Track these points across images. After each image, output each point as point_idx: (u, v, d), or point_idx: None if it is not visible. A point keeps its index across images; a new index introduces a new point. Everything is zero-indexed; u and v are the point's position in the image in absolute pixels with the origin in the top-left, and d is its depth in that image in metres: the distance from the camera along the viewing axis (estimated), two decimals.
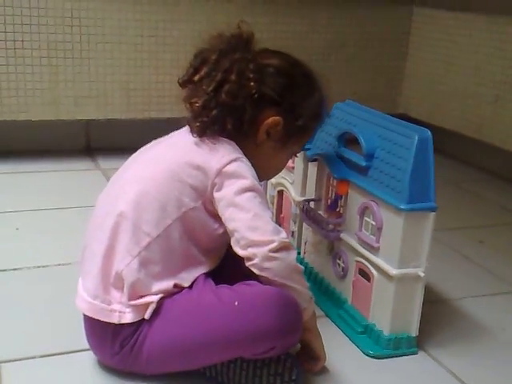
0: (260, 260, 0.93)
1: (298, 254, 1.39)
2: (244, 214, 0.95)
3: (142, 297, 0.96)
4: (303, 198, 1.32)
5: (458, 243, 1.63)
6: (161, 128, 2.15)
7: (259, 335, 0.92)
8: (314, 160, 1.27)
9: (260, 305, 0.93)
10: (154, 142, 1.09)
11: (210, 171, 0.96)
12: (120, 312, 0.96)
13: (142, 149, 1.08)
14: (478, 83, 2.16)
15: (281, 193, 1.47)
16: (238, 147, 1.01)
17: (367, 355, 1.11)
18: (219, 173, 0.96)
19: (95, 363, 1.03)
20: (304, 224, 1.34)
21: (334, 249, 1.24)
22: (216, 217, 0.99)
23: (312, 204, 1.29)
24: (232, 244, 0.97)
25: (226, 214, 0.96)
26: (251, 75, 0.99)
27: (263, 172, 1.06)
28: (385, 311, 1.10)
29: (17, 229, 1.52)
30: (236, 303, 0.93)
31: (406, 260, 1.06)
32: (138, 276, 0.95)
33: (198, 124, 1.00)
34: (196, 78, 1.02)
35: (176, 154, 1.00)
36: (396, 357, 1.11)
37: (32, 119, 2.02)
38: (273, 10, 2.17)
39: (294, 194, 1.39)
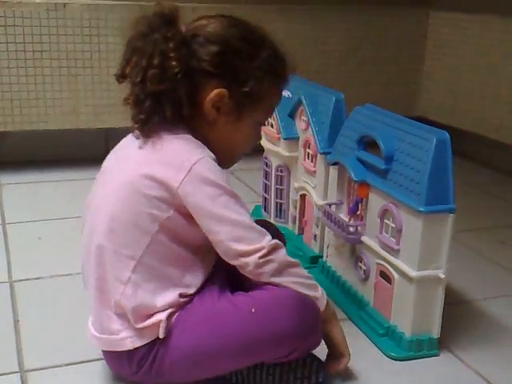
0: (253, 267, 0.92)
1: (321, 257, 1.40)
2: (224, 226, 0.92)
3: (149, 316, 0.93)
4: (325, 202, 1.33)
5: (479, 244, 1.63)
6: None
7: (277, 339, 0.92)
8: (335, 164, 1.28)
9: (275, 308, 0.93)
10: (112, 153, 1.03)
11: (172, 181, 0.91)
12: (131, 338, 0.94)
13: (105, 162, 1.03)
14: (495, 84, 2.15)
15: (303, 197, 1.48)
16: (191, 137, 0.95)
17: (389, 357, 1.12)
18: (182, 182, 0.90)
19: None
20: (326, 227, 1.35)
21: (355, 252, 1.25)
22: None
23: (333, 207, 1.30)
24: (220, 254, 0.95)
25: (204, 225, 0.92)
26: (172, 54, 0.91)
27: (230, 152, 1.02)
28: (406, 313, 1.11)
29: (39, 238, 1.54)
30: (252, 310, 0.93)
31: (426, 262, 1.07)
32: (136, 300, 0.92)
33: (136, 125, 0.95)
34: (127, 70, 0.95)
35: (131, 169, 0.94)
36: (418, 358, 1.11)
37: (52, 129, 2.05)
38: (287, 17, 2.18)
39: (315, 198, 1.40)
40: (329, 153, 1.32)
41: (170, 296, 0.94)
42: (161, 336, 0.93)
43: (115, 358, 0.98)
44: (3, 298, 1.26)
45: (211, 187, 0.92)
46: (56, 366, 1.06)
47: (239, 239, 0.92)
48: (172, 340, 0.94)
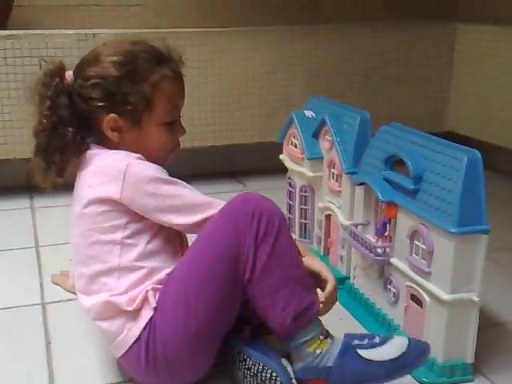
0: None
1: (347, 278, 1.37)
2: (171, 214, 1.03)
3: (135, 297, 1.02)
4: (351, 222, 1.31)
5: None
6: (203, 156, 2.22)
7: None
8: (361, 184, 1.26)
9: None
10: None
11: (113, 195, 1.02)
12: (131, 327, 1.02)
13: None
14: None
15: (328, 217, 1.46)
16: (117, 150, 1.06)
17: (421, 383, 1.08)
18: (122, 193, 1.02)
19: None
20: (353, 248, 1.32)
21: (384, 274, 1.22)
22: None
23: (360, 228, 1.27)
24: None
25: (155, 219, 1.04)
26: (45, 112, 1.05)
27: (155, 155, 1.09)
28: (438, 337, 1.07)
29: (70, 260, 1.54)
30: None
31: (459, 284, 1.03)
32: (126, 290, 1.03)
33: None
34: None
35: (79, 199, 1.08)
36: None
37: None
38: (312, 36, 2.17)
39: (341, 218, 1.38)
40: (354, 172, 1.29)
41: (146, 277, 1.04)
42: (153, 304, 1.01)
43: (130, 360, 1.03)
44: (35, 319, 1.28)
45: (148, 184, 1.02)
46: None
47: (189, 215, 1.04)
48: (164, 311, 1.01)
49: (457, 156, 1.02)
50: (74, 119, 1.07)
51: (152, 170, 1.04)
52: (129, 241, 1.05)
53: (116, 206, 1.03)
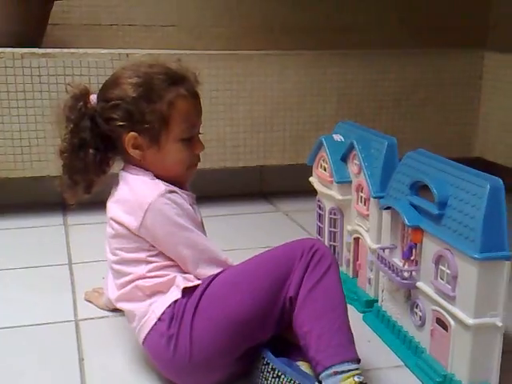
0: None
1: (376, 301, 1.40)
2: (179, 257, 1.12)
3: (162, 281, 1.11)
4: (378, 246, 1.34)
5: None
6: (234, 177, 2.27)
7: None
8: (387, 208, 1.29)
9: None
10: None
11: (131, 226, 1.11)
12: (152, 307, 1.10)
13: None
14: None
15: (357, 240, 1.49)
16: (147, 174, 1.14)
17: None
18: (141, 225, 1.11)
19: None
20: (380, 272, 1.35)
21: (410, 297, 1.24)
22: None
23: (387, 251, 1.30)
24: None
25: (164, 251, 1.13)
26: (67, 135, 1.15)
27: (175, 173, 1.16)
28: (463, 361, 1.09)
29: (103, 278, 1.59)
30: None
31: (483, 309, 1.06)
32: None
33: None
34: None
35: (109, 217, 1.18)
36: None
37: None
38: (341, 61, 2.21)
39: (369, 242, 1.41)
40: (381, 197, 1.33)
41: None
42: (181, 285, 1.08)
43: (156, 345, 1.09)
44: (69, 336, 1.30)
45: (165, 227, 1.10)
46: None
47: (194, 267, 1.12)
48: (201, 305, 1.07)
49: (480, 183, 1.05)
50: (96, 140, 1.15)
51: (174, 212, 1.10)
52: (153, 259, 1.12)
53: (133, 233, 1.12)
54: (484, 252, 1.03)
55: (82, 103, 1.15)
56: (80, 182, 1.17)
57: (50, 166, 1.99)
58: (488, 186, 1.03)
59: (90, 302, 1.45)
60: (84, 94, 1.17)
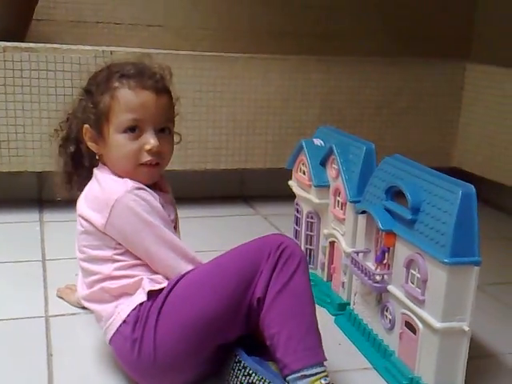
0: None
1: (348, 304, 1.41)
2: (146, 257, 1.11)
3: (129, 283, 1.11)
4: (352, 250, 1.35)
5: (510, 298, 1.61)
6: (215, 179, 2.27)
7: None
8: (363, 212, 1.30)
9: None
10: None
11: (97, 224, 1.10)
12: (120, 305, 1.09)
13: None
14: None
15: (332, 244, 1.50)
16: (110, 173, 1.14)
17: None
18: (107, 223, 1.09)
19: None
20: (354, 275, 1.36)
21: (381, 301, 1.25)
22: None
23: (361, 255, 1.31)
24: None
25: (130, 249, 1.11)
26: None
27: (121, 169, 1.13)
28: (430, 364, 1.10)
29: (76, 275, 1.55)
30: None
31: (451, 313, 1.07)
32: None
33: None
34: None
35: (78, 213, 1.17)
36: None
37: None
38: (325, 67, 2.23)
39: (344, 245, 1.42)
40: (358, 201, 1.34)
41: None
42: (146, 288, 1.07)
43: (121, 347, 1.09)
44: (38, 332, 1.29)
45: (134, 222, 1.08)
46: None
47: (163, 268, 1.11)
48: (167, 303, 1.06)
49: (452, 189, 1.06)
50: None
51: (141, 209, 1.08)
52: (120, 257, 1.11)
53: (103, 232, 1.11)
54: (454, 257, 1.04)
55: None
56: (77, 180, 1.20)
57: (28, 161, 1.98)
58: (460, 192, 1.05)
59: (61, 298, 1.44)
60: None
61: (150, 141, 1.11)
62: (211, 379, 1.12)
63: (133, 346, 1.05)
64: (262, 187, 2.34)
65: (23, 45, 1.95)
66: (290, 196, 1.66)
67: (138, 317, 1.06)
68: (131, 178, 1.11)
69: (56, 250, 1.72)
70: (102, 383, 1.13)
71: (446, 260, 1.04)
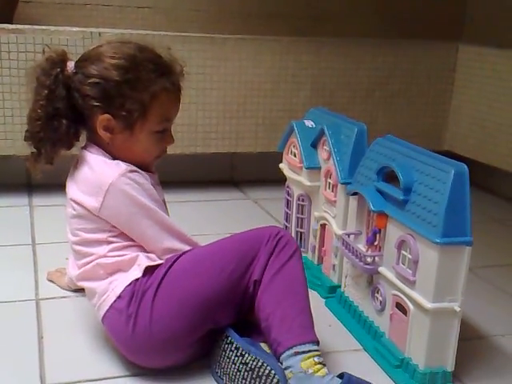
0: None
1: (339, 287, 1.40)
2: (139, 237, 1.11)
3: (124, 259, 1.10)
4: (343, 232, 1.34)
5: (503, 281, 1.60)
6: (205, 163, 2.25)
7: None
8: (354, 194, 1.29)
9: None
10: None
11: (92, 208, 1.09)
12: (115, 281, 1.09)
13: None
14: None
15: (323, 226, 1.49)
16: (101, 154, 1.12)
17: None
18: (101, 207, 1.08)
19: None
20: (344, 257, 1.35)
21: (372, 282, 1.25)
22: None
23: (352, 237, 1.30)
24: None
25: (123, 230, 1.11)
26: (41, 102, 1.09)
27: (140, 161, 1.13)
28: (420, 345, 1.10)
29: (66, 258, 1.55)
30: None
31: (442, 294, 1.06)
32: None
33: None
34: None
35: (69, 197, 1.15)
36: None
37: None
38: (316, 48, 2.21)
39: (335, 228, 1.41)
40: (349, 183, 1.33)
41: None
42: (143, 264, 1.07)
43: (115, 323, 1.08)
44: (29, 315, 1.29)
45: (127, 207, 1.08)
46: (77, 382, 1.07)
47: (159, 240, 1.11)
48: (165, 281, 1.07)
49: (444, 169, 1.05)
50: (69, 112, 1.10)
51: (136, 192, 1.08)
52: (114, 239, 1.11)
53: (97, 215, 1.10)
54: (445, 237, 1.03)
55: (58, 69, 1.09)
56: (45, 152, 1.12)
57: (17, 144, 1.96)
58: (452, 172, 1.04)
59: (52, 281, 1.43)
60: (62, 60, 1.11)
61: (171, 140, 1.17)
62: (202, 361, 1.12)
63: (128, 320, 1.05)
64: (252, 171, 2.33)
65: (10, 26, 1.92)
66: (280, 180, 1.65)
67: (133, 292, 1.06)
68: (139, 165, 1.12)
69: (46, 234, 1.71)
70: (93, 364, 1.13)
71: (437, 240, 1.03)
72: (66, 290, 1.39)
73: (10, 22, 2.01)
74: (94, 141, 1.14)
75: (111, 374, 1.10)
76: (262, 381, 0.99)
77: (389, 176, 1.22)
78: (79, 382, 1.07)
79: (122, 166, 1.09)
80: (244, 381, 1.01)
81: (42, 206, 1.95)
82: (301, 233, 1.57)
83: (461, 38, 2.58)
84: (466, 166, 1.06)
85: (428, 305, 1.06)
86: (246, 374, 1.02)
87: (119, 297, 1.07)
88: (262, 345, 1.09)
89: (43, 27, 1.94)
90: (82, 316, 1.28)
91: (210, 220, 1.90)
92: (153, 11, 2.42)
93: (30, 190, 2.07)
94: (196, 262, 1.08)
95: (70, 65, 1.12)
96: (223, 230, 1.52)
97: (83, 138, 1.19)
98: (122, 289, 1.07)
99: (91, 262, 1.12)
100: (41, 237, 1.71)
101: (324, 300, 1.42)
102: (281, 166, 1.64)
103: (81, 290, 1.35)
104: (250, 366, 1.01)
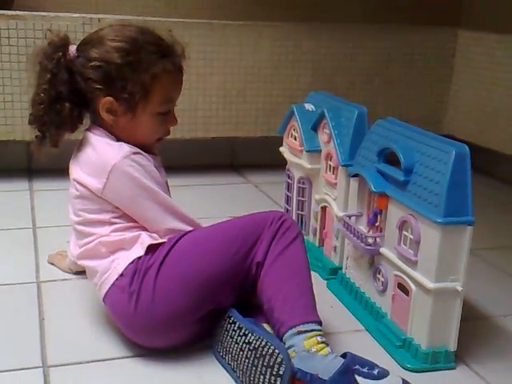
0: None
1: (340, 269, 1.41)
2: (143, 219, 1.12)
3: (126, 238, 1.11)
4: (344, 213, 1.34)
5: (504, 262, 1.61)
6: (205, 147, 2.25)
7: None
8: (355, 175, 1.29)
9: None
10: None
11: (94, 189, 1.10)
12: (117, 259, 1.09)
13: None
14: None
15: (324, 209, 1.49)
16: (111, 137, 1.12)
17: (405, 369, 1.11)
18: (104, 188, 1.09)
19: (136, 370, 1.07)
20: (346, 239, 1.36)
21: (374, 263, 1.25)
22: None
23: (353, 219, 1.31)
24: None
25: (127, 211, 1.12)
26: (44, 86, 1.10)
27: (143, 142, 1.14)
28: (423, 325, 1.10)
29: (68, 241, 1.56)
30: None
31: (444, 274, 1.07)
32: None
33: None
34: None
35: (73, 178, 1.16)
36: (434, 371, 1.11)
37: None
38: (317, 34, 2.21)
39: (336, 210, 1.41)
40: (350, 165, 1.33)
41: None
42: (145, 243, 1.08)
43: (116, 301, 1.08)
44: (30, 297, 1.29)
45: (130, 190, 1.08)
46: (78, 363, 1.08)
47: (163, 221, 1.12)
48: (168, 259, 1.07)
49: (446, 149, 1.06)
50: (72, 95, 1.11)
51: (138, 174, 1.09)
52: (117, 220, 1.11)
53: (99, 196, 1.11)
54: (447, 216, 1.04)
55: (60, 53, 1.10)
56: (50, 135, 1.12)
57: (17, 129, 1.97)
58: (454, 152, 1.04)
59: (52, 264, 1.43)
60: (63, 44, 1.12)
61: (174, 121, 1.17)
62: (204, 341, 1.13)
63: (130, 297, 1.06)
64: (252, 156, 2.33)
65: (10, 12, 1.92)
66: (280, 164, 1.65)
67: (135, 270, 1.07)
68: (141, 147, 1.13)
69: (46, 218, 1.72)
70: (94, 346, 1.13)
71: (439, 220, 1.03)
72: (67, 272, 1.40)
73: (10, 9, 2.01)
74: (98, 123, 1.15)
75: (112, 355, 1.11)
76: (266, 360, 0.99)
77: (390, 158, 1.22)
78: (81, 363, 1.08)
79: (125, 148, 1.10)
80: (247, 360, 1.02)
81: (42, 191, 1.95)
82: (302, 215, 1.57)
83: (460, 23, 2.57)
84: (466, 147, 1.06)
85: (430, 284, 1.07)
86: (249, 353, 1.02)
87: (121, 275, 1.08)
88: (265, 325, 1.10)
89: (43, 13, 1.95)
90: (83, 298, 1.29)
91: (211, 204, 1.91)
92: None
93: (30, 174, 2.07)
94: (199, 242, 1.09)
95: (72, 48, 1.13)
96: (224, 214, 1.52)
97: (86, 121, 1.19)
98: (125, 267, 1.08)
99: (93, 241, 1.12)
100: (41, 220, 1.71)
101: (325, 282, 1.43)
102: (281, 149, 1.64)
103: (82, 273, 1.36)
104: (253, 345, 1.02)
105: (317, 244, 1.53)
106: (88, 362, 1.08)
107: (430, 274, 1.07)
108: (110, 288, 1.09)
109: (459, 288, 1.07)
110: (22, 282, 1.36)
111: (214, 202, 1.94)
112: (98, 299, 1.16)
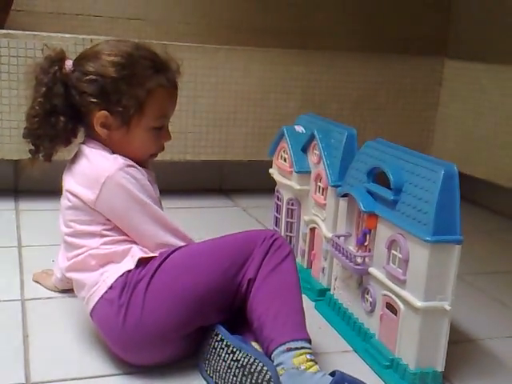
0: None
1: (328, 290, 1.40)
2: (133, 232, 1.11)
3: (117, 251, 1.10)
4: (334, 234, 1.35)
5: (490, 287, 1.62)
6: (194, 170, 2.25)
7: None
8: (345, 195, 1.30)
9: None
10: None
11: (88, 201, 1.09)
12: (106, 272, 1.09)
13: None
14: (508, 133, 2.17)
15: (313, 230, 1.50)
16: (106, 149, 1.13)
17: None
18: (97, 199, 1.08)
19: None
20: (334, 260, 1.36)
21: (362, 283, 1.25)
22: None
23: (342, 239, 1.31)
24: None
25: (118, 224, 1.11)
26: (39, 99, 1.10)
27: (137, 156, 1.14)
28: (411, 345, 1.10)
29: (53, 260, 1.53)
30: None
31: (432, 292, 1.07)
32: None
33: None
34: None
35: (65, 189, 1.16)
36: None
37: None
38: (305, 60, 2.24)
39: (325, 231, 1.41)
40: (339, 185, 1.34)
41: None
42: (135, 256, 1.07)
43: (105, 314, 1.07)
44: (15, 314, 1.28)
45: (123, 202, 1.08)
46: (61, 380, 1.06)
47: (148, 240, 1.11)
48: (158, 274, 1.07)
49: (434, 168, 1.07)
50: (67, 109, 1.12)
51: (132, 186, 1.09)
52: (108, 232, 1.11)
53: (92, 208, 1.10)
54: (436, 235, 1.04)
55: (56, 67, 1.11)
56: (43, 149, 1.13)
57: (5, 148, 1.96)
58: (442, 171, 1.05)
59: (38, 282, 1.42)
60: (60, 58, 1.13)
61: (168, 136, 1.18)
62: (191, 359, 1.12)
63: (118, 310, 1.04)
64: (241, 180, 2.34)
65: (2, 31, 1.93)
66: (269, 188, 1.66)
67: (125, 283, 1.06)
68: (135, 161, 1.13)
69: (32, 237, 1.71)
70: (78, 363, 1.12)
71: (427, 238, 1.04)
72: (53, 290, 1.38)
73: (2, 27, 2.02)
74: (92, 137, 1.15)
75: (98, 372, 1.09)
76: (254, 377, 0.98)
77: (379, 178, 1.23)
78: (65, 380, 1.06)
79: (119, 160, 1.10)
80: (235, 378, 1.01)
81: (28, 211, 1.93)
82: (290, 237, 1.57)
83: (446, 53, 2.62)
84: (455, 166, 1.07)
85: (418, 303, 1.07)
86: (237, 370, 1.01)
87: (110, 287, 1.07)
88: (253, 343, 1.09)
89: (35, 33, 1.95)
90: (69, 316, 1.28)
91: (199, 227, 1.88)
92: (144, 23, 2.43)
93: (17, 194, 2.06)
94: (191, 257, 1.08)
95: (68, 63, 1.14)
96: (210, 236, 1.52)
97: (80, 135, 1.19)
98: (114, 279, 1.07)
99: (83, 253, 1.11)
100: (27, 239, 1.69)
101: (314, 303, 1.42)
102: (271, 170, 1.65)
103: (67, 291, 1.35)
104: (241, 362, 1.01)
105: (305, 265, 1.53)
106: (73, 380, 1.06)
107: (419, 292, 1.07)
108: (98, 301, 1.08)
109: (447, 307, 1.07)
110: (7, 299, 1.34)
111: (202, 225, 1.93)
112: (85, 314, 1.15)
